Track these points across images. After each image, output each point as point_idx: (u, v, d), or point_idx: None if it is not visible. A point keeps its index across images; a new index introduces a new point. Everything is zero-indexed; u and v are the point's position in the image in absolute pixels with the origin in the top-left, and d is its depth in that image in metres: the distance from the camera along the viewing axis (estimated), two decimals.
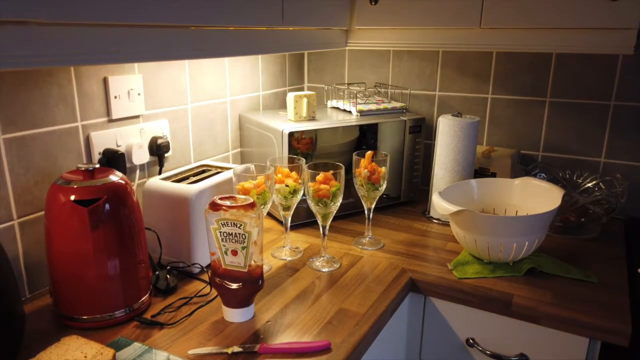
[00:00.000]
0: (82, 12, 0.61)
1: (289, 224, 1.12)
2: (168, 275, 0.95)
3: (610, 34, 1.03)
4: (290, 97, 1.29)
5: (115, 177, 0.83)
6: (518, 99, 1.43)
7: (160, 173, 1.16)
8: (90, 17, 0.62)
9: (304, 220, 1.29)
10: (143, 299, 0.88)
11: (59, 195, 0.79)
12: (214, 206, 0.82)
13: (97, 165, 0.83)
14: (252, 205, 0.82)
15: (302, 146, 1.25)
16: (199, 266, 1.00)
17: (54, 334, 0.81)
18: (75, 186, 0.79)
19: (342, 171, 1.03)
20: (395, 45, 1.30)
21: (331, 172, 1.03)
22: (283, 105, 1.64)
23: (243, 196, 0.86)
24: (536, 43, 1.12)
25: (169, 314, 0.88)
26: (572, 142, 1.39)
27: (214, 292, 0.94)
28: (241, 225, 0.81)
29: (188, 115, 1.25)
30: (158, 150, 1.13)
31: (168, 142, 1.15)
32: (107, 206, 0.79)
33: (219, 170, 1.14)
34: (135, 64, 1.07)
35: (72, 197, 0.78)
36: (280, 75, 1.60)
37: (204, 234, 1.01)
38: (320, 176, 1.02)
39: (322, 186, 1.01)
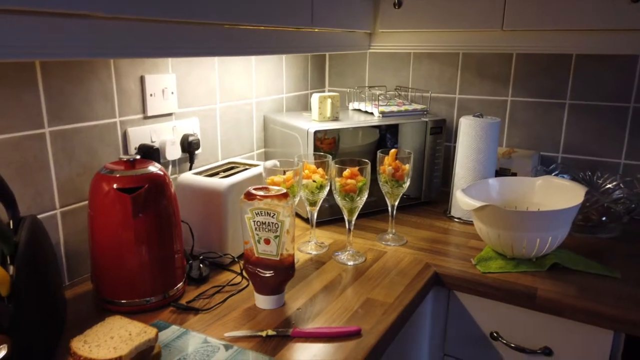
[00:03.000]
0: (131, 7, 0.65)
1: (314, 220, 1.15)
2: (201, 265, 0.98)
3: (631, 35, 1.05)
4: (315, 98, 1.33)
5: (155, 168, 0.87)
6: (537, 101, 1.46)
7: (190, 169, 1.20)
8: (140, 13, 0.66)
9: (327, 217, 1.32)
10: (178, 286, 0.91)
11: (102, 183, 0.83)
12: (249, 196, 0.86)
13: (138, 157, 0.87)
14: (285, 195, 0.85)
15: (325, 146, 1.29)
16: (230, 257, 1.04)
17: (94, 317, 0.84)
18: (117, 175, 0.83)
19: (369, 167, 1.06)
20: (418, 48, 1.33)
21: (357, 167, 1.06)
22: (305, 108, 1.68)
23: (276, 187, 0.89)
24: (557, 44, 1.14)
25: (203, 300, 0.91)
26: (591, 144, 1.41)
27: (245, 282, 0.98)
28: (274, 214, 0.84)
29: (216, 115, 1.29)
30: (189, 147, 1.17)
31: (199, 140, 1.19)
32: (147, 195, 0.83)
33: (247, 167, 1.18)
34: (170, 64, 1.12)
35: (115, 185, 0.82)
36: (302, 78, 1.64)
37: (235, 226, 1.05)
38: (347, 171, 1.05)
39: (349, 181, 1.04)
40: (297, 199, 1.05)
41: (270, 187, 0.88)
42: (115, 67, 0.99)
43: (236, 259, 1.04)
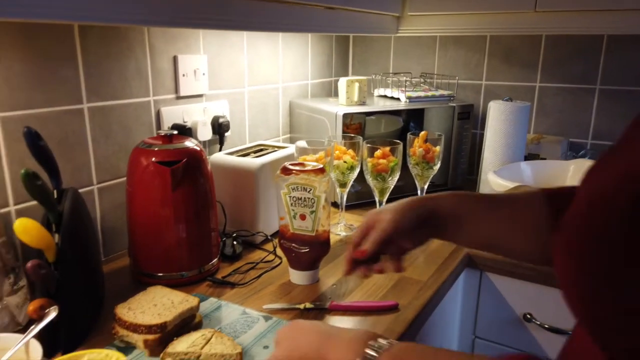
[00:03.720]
0: None
1: (344, 201, 1.15)
2: (234, 243, 0.99)
3: None
4: (343, 81, 1.33)
5: (192, 143, 0.88)
6: (567, 87, 1.44)
7: (220, 151, 1.20)
8: None
9: (353, 202, 1.31)
10: (213, 262, 0.91)
11: (141, 157, 0.84)
12: (285, 171, 0.86)
13: (175, 132, 0.88)
14: (322, 170, 0.85)
15: (351, 131, 1.28)
16: (263, 235, 1.04)
17: (132, 290, 0.85)
18: (156, 149, 0.84)
19: (400, 146, 1.06)
20: (446, 31, 1.32)
21: (389, 147, 1.05)
22: (329, 95, 1.68)
23: (313, 162, 0.89)
24: (589, 25, 1.13)
25: (238, 275, 0.91)
26: (621, 129, 1.38)
27: (278, 260, 0.98)
28: (311, 189, 0.84)
29: (245, 98, 1.29)
30: (219, 128, 1.18)
31: (228, 122, 1.20)
32: (186, 169, 0.83)
33: (275, 149, 1.18)
34: (201, 45, 1.12)
35: (154, 159, 0.83)
36: (327, 65, 1.64)
37: (266, 205, 1.05)
38: (379, 151, 1.05)
39: (381, 161, 1.04)
40: None
41: (307, 162, 0.89)
42: (150, 46, 1.00)
43: (269, 237, 1.05)
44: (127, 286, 0.87)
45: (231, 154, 1.11)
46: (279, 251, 1.00)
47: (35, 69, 0.80)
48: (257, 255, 1.01)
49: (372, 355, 0.43)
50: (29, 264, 0.60)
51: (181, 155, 0.84)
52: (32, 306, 0.59)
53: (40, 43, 0.80)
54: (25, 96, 0.80)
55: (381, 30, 1.30)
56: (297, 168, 0.86)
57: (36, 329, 0.58)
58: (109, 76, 0.93)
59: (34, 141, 0.66)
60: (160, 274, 0.86)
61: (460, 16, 1.28)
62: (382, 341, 0.45)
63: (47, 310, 0.60)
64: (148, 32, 0.99)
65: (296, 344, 0.49)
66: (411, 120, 1.36)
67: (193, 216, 0.86)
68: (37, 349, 0.55)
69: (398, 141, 1.07)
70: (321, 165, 0.86)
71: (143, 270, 0.87)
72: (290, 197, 0.86)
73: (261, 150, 1.18)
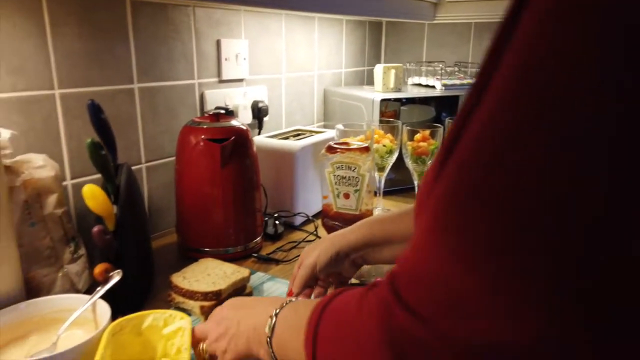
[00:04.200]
0: None
1: (382, 186, 1.16)
2: (276, 222, 1.00)
3: None
4: (379, 68, 1.33)
5: (238, 122, 0.90)
6: None
7: (259, 135, 1.22)
8: None
9: (388, 188, 1.32)
10: (257, 240, 0.93)
11: (190, 135, 0.86)
12: (331, 149, 0.87)
13: (222, 111, 0.90)
14: (366, 149, 0.86)
15: (386, 118, 1.29)
16: (304, 215, 1.06)
17: (180, 264, 0.88)
18: (205, 127, 0.86)
19: (440, 130, 1.06)
20: (484, 17, 1.32)
21: (429, 130, 1.06)
22: (361, 83, 1.69)
23: (358, 142, 0.90)
24: None
25: (281, 253, 0.93)
26: None
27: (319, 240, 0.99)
28: (355, 168, 0.85)
29: (282, 84, 1.31)
30: (259, 113, 1.20)
31: (267, 107, 1.22)
32: (234, 147, 0.85)
33: (313, 133, 1.20)
34: (243, 29, 1.14)
35: (204, 136, 0.85)
36: (360, 54, 1.65)
37: (306, 187, 1.06)
38: (419, 135, 1.05)
39: (422, 144, 1.04)
40: None
41: (351, 141, 0.90)
42: (195, 30, 1.02)
43: (310, 217, 1.06)
44: (174, 261, 0.90)
45: (271, 137, 1.13)
46: (320, 231, 1.01)
47: (93, 47, 0.83)
48: (298, 235, 1.02)
49: (276, 313, 0.46)
50: (95, 229, 0.62)
51: (229, 133, 0.86)
52: (97, 269, 0.62)
53: (97, 20, 0.83)
54: (84, 74, 0.83)
55: (418, 16, 1.30)
56: (342, 147, 0.87)
57: (102, 290, 0.60)
58: (157, 58, 0.95)
59: (97, 113, 0.69)
60: (207, 249, 0.88)
61: (499, 2, 1.27)
62: (283, 304, 0.47)
63: (110, 274, 0.62)
64: (194, 16, 1.01)
65: (221, 316, 0.53)
66: (444, 109, 1.36)
67: (240, 194, 0.88)
68: (105, 309, 0.58)
69: (438, 125, 1.07)
70: (366, 144, 0.87)
71: (190, 246, 0.89)
72: (334, 175, 0.87)
73: (299, 134, 1.20)
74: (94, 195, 0.62)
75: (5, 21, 0.71)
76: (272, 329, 0.45)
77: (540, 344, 0.26)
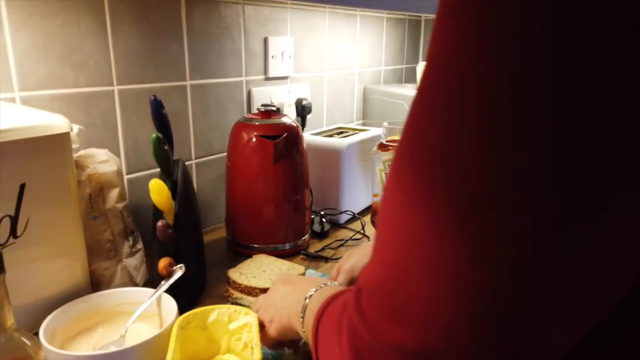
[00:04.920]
0: None
1: None
2: (323, 220, 1.00)
3: None
4: (422, 66, 1.32)
5: (289, 120, 0.90)
6: None
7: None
8: None
9: None
10: (305, 237, 0.93)
11: (243, 131, 0.86)
12: (383, 147, 0.86)
13: (274, 108, 0.90)
14: None
15: None
16: (350, 213, 1.05)
17: (229, 260, 0.88)
18: (257, 123, 0.86)
19: None
20: None
21: None
22: (399, 82, 1.67)
23: None
24: None
25: (330, 251, 0.92)
26: None
27: (365, 239, 0.98)
28: None
29: (324, 82, 1.31)
30: (302, 110, 1.19)
31: (311, 104, 1.21)
32: (286, 143, 0.85)
33: (357, 131, 1.19)
34: (289, 27, 1.14)
35: (257, 133, 0.85)
36: (399, 51, 1.63)
37: (352, 185, 1.06)
38: None
39: None
40: None
41: None
42: (244, 27, 1.03)
43: (357, 215, 1.05)
44: (224, 256, 0.90)
45: (315, 135, 1.12)
46: (367, 229, 1.00)
47: (149, 45, 0.84)
48: (344, 233, 1.02)
49: (310, 295, 0.48)
50: (159, 224, 0.63)
51: (282, 130, 0.86)
52: (162, 263, 0.62)
53: (153, 18, 0.84)
54: (140, 71, 0.84)
55: None
56: (395, 144, 0.86)
57: (167, 284, 0.60)
58: (208, 55, 0.96)
59: (158, 109, 0.69)
60: (256, 245, 0.89)
61: None
62: (317, 287, 0.49)
63: (173, 268, 0.63)
64: (243, 13, 1.02)
65: (272, 289, 0.58)
66: None
67: (291, 190, 0.88)
68: (171, 303, 0.58)
69: None
70: None
71: (240, 241, 0.90)
72: (386, 174, 0.86)
73: (342, 132, 1.19)
74: (160, 190, 0.63)
75: (70, 21, 0.73)
76: (304, 310, 0.48)
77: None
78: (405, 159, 0.28)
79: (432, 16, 1.62)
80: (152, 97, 0.68)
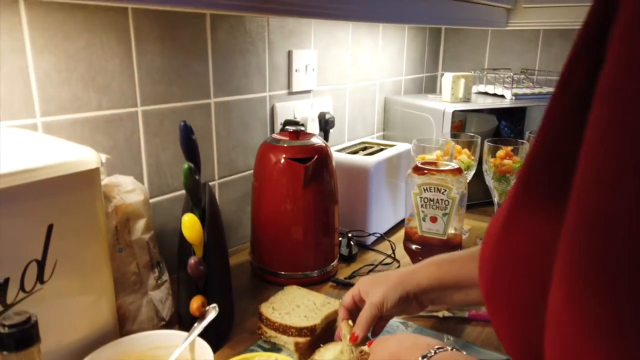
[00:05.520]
0: None
1: None
2: (351, 243, 0.96)
3: None
4: (448, 77, 1.27)
5: (318, 140, 0.86)
6: None
7: None
8: None
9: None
10: (333, 263, 0.89)
11: (271, 153, 0.82)
12: (418, 170, 0.82)
13: (301, 128, 0.86)
14: (459, 171, 0.81)
15: (452, 129, 1.23)
16: (379, 235, 1.01)
17: (254, 285, 0.85)
18: (285, 145, 0.82)
19: (525, 146, 1.00)
20: (558, 24, 1.24)
21: (511, 147, 0.99)
22: (419, 91, 1.63)
23: (447, 162, 0.85)
24: None
25: (359, 277, 0.88)
26: None
27: (396, 263, 0.94)
28: (445, 190, 0.80)
29: (346, 94, 1.27)
30: (326, 125, 1.15)
31: (334, 118, 1.17)
32: (316, 166, 0.81)
33: (381, 147, 1.15)
34: (312, 39, 1.10)
35: (286, 155, 0.81)
36: (419, 61, 1.59)
37: (380, 205, 1.02)
38: (502, 151, 0.99)
39: (506, 161, 0.98)
40: None
41: (440, 161, 0.84)
42: (269, 41, 0.99)
43: (385, 237, 1.01)
44: (250, 283, 0.86)
45: (339, 151, 1.08)
46: (397, 253, 0.96)
47: (174, 63, 0.80)
48: (372, 256, 0.98)
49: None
50: (191, 261, 0.59)
51: (312, 152, 0.82)
52: (194, 304, 0.58)
53: (178, 36, 0.80)
54: (164, 90, 0.80)
55: (490, 23, 1.24)
56: (431, 167, 0.82)
57: (200, 327, 0.57)
58: (233, 71, 0.92)
59: (188, 135, 0.65)
60: (283, 273, 0.85)
61: (575, 8, 1.19)
62: (432, 350, 0.46)
63: (206, 309, 0.59)
64: (268, 27, 0.98)
65: (380, 351, 0.52)
66: (504, 117, 1.29)
67: (321, 214, 0.84)
68: (205, 349, 0.54)
69: (522, 140, 1.01)
70: (458, 165, 0.82)
71: (267, 268, 0.86)
72: (421, 197, 0.82)
73: (366, 148, 1.15)
74: (193, 225, 0.59)
75: (94, 42, 0.69)
76: None
77: None
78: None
79: (465, 27, 1.57)
80: (182, 123, 0.64)
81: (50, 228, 0.49)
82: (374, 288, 0.60)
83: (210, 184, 0.93)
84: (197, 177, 0.63)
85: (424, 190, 0.81)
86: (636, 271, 0.20)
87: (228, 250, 0.97)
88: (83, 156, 0.51)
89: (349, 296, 0.62)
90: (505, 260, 0.35)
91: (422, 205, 0.82)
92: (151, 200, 0.82)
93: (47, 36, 0.64)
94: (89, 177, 0.52)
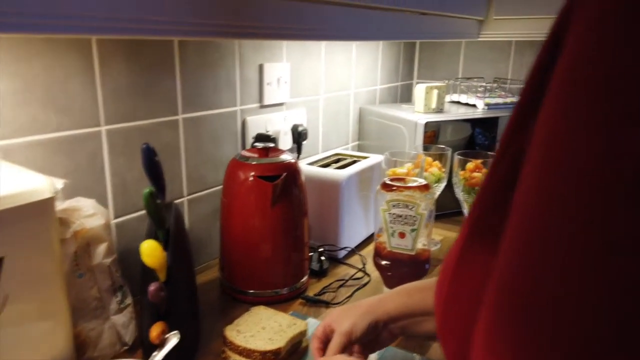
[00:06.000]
0: None
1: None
2: (322, 258, 0.96)
3: None
4: (421, 88, 1.28)
5: (288, 156, 0.85)
6: None
7: (298, 159, 1.18)
8: None
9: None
10: (303, 279, 0.89)
11: (239, 170, 0.82)
12: (386, 187, 0.82)
13: (272, 145, 0.85)
14: (427, 187, 0.81)
15: (425, 139, 1.24)
16: (350, 249, 1.01)
17: (223, 305, 0.84)
18: (254, 162, 0.82)
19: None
20: (529, 36, 1.26)
21: (481, 160, 1.00)
22: (394, 100, 1.64)
23: (415, 178, 0.85)
24: None
25: (330, 294, 0.88)
26: None
27: (366, 277, 0.94)
28: (414, 207, 0.80)
29: (320, 106, 1.26)
30: (299, 137, 1.15)
31: (307, 130, 1.17)
32: (284, 183, 0.81)
33: (354, 159, 1.15)
34: (284, 52, 1.10)
35: (254, 173, 0.80)
36: (394, 70, 1.60)
37: (351, 218, 1.02)
38: (471, 164, 1.00)
39: (475, 174, 0.99)
40: None
41: (408, 177, 0.85)
42: (240, 54, 0.98)
43: (355, 251, 1.01)
44: (219, 301, 0.86)
45: (311, 164, 1.08)
46: (368, 268, 0.96)
47: (140, 81, 0.79)
48: (343, 270, 0.98)
49: None
50: (151, 287, 0.58)
51: (280, 169, 0.81)
52: (154, 332, 0.57)
53: (143, 53, 0.79)
54: (129, 108, 0.79)
55: (462, 35, 1.25)
56: (399, 184, 0.82)
57: (159, 355, 0.56)
58: (202, 86, 0.91)
59: (151, 157, 0.64)
60: (252, 291, 0.84)
61: (545, 20, 1.21)
62: None
63: (167, 336, 0.58)
64: (239, 42, 0.97)
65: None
66: (479, 125, 1.31)
67: (289, 231, 0.83)
68: None
69: (491, 153, 1.02)
70: (426, 182, 0.82)
71: (236, 287, 0.85)
72: (389, 214, 0.82)
73: (339, 160, 1.15)
74: (153, 252, 0.58)
75: (54, 63, 0.68)
76: None
77: None
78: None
79: (443, 40, 1.58)
80: (144, 146, 0.63)
81: (0, 261, 0.48)
82: (343, 318, 0.61)
83: (179, 201, 0.92)
84: (158, 201, 0.62)
85: (392, 206, 0.82)
86: (552, 339, 0.20)
87: (197, 267, 0.97)
88: (35, 185, 0.50)
89: (320, 327, 0.62)
90: (457, 293, 0.35)
91: (390, 221, 0.83)
92: (117, 220, 0.81)
93: (5, 59, 0.63)
94: (42, 207, 0.51)
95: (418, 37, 1.08)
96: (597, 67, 0.21)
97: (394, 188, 0.82)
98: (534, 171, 0.24)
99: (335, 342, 0.59)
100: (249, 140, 1.04)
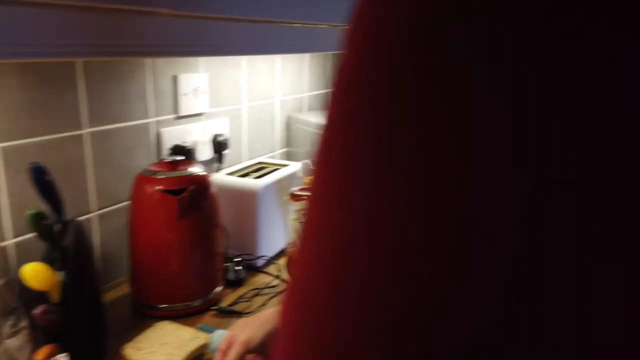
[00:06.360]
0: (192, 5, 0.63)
1: None
2: (237, 268, 0.97)
3: None
4: None
5: (197, 169, 0.86)
6: None
7: (219, 169, 1.18)
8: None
9: None
10: (217, 290, 0.89)
11: (146, 185, 0.81)
12: (295, 197, 0.84)
13: (181, 157, 0.85)
14: None
15: None
16: (267, 258, 1.02)
17: (134, 322, 0.83)
18: (161, 176, 0.82)
19: None
20: None
21: None
22: (323, 107, 1.67)
23: None
24: None
25: (244, 303, 0.89)
26: None
27: (283, 285, 0.96)
28: None
29: (242, 114, 1.27)
30: (219, 147, 1.15)
31: (227, 140, 1.17)
32: (192, 196, 0.81)
33: (276, 167, 1.17)
34: (201, 63, 1.10)
35: (160, 187, 0.80)
36: (322, 77, 1.63)
37: (269, 227, 1.03)
38: None
39: None
40: None
41: None
42: (152, 67, 0.97)
43: (273, 260, 1.03)
44: (129, 318, 0.85)
45: (231, 174, 1.09)
46: (284, 275, 0.98)
47: (38, 96, 0.77)
48: (261, 279, 0.99)
49: None
50: (36, 311, 0.57)
51: (187, 182, 0.82)
52: (40, 355, 0.56)
53: (40, 67, 0.77)
54: (26, 124, 0.77)
55: None
56: (307, 194, 0.84)
57: None
58: (111, 99, 0.90)
59: (40, 177, 0.63)
60: (164, 306, 0.84)
61: None
62: None
63: (55, 357, 0.57)
64: None
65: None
66: None
67: (199, 243, 0.84)
68: None
69: None
70: None
71: (147, 302, 0.84)
72: (299, 223, 0.84)
73: (261, 169, 1.16)
74: (36, 274, 0.57)
75: None
76: None
77: None
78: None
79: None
80: (31, 165, 0.62)
81: None
82: (244, 328, 0.65)
83: (88, 216, 0.90)
84: (45, 222, 0.61)
85: (302, 216, 0.84)
86: None
87: (109, 283, 0.95)
88: None
89: (226, 339, 0.65)
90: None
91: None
92: (16, 240, 0.78)
93: None
94: None
95: (328, 49, 1.10)
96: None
97: (303, 197, 0.84)
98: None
99: (233, 352, 0.62)
100: (165, 152, 1.03)
